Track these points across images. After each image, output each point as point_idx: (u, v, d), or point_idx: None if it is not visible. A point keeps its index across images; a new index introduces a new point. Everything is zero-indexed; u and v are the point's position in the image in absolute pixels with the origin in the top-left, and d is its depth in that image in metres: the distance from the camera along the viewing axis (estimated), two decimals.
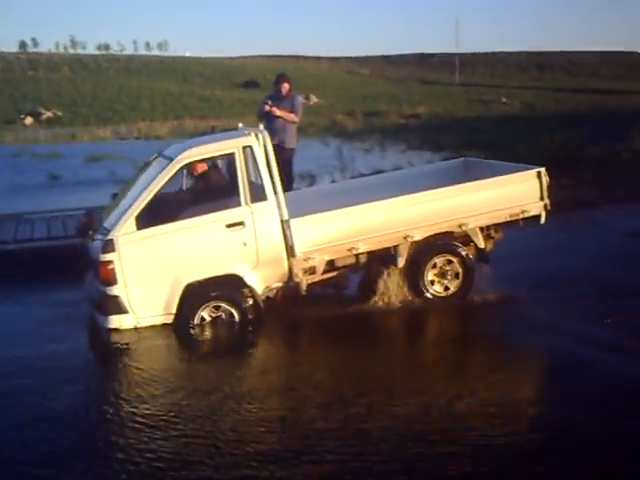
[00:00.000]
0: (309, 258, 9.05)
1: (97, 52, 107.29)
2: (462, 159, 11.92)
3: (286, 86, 12.17)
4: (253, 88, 63.70)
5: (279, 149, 11.28)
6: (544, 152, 16.57)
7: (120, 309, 8.58)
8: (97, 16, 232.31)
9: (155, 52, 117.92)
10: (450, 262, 9.71)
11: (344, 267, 9.59)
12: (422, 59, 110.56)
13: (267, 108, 11.94)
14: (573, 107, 42.23)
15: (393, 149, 25.76)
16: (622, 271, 10.61)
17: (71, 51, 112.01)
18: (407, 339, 9.45)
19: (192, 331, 8.76)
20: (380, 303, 9.60)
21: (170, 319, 8.73)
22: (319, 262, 9.16)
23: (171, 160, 8.87)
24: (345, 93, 65.45)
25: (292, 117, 12.12)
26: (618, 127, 23.73)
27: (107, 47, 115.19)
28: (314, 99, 56.81)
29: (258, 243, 8.81)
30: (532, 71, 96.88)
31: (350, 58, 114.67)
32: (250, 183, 8.93)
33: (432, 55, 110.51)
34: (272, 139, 10.55)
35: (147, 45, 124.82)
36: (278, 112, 11.94)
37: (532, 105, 48.44)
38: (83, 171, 20.87)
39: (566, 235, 10.41)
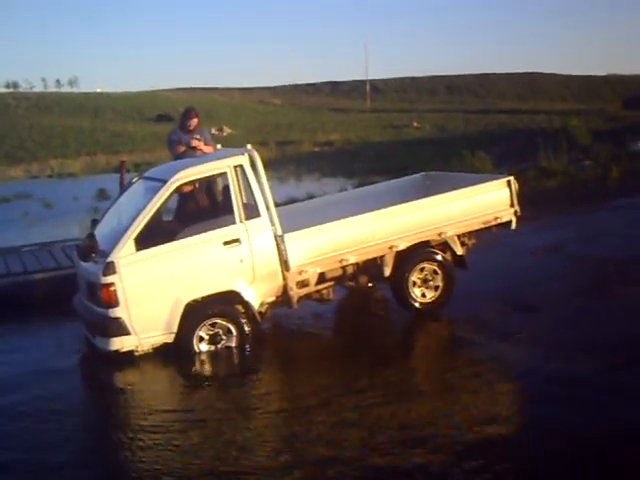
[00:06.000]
0: (302, 271, 9.34)
1: (5, 90, 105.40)
2: (423, 173, 12.43)
3: (195, 121, 12.06)
4: (166, 122, 63.23)
5: None
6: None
7: (122, 330, 8.68)
8: (3, 54, 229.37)
9: (65, 89, 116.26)
10: (430, 269, 10.14)
11: (333, 279, 9.92)
12: (334, 87, 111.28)
13: (195, 143, 11.82)
14: (482, 128, 43.04)
15: (308, 177, 25.96)
16: (531, 286, 10.93)
17: None
18: None
19: (193, 349, 8.92)
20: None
21: (171, 338, 8.88)
22: (312, 275, 9.47)
23: (164, 181, 9.06)
24: (258, 123, 65.54)
25: (211, 150, 12.08)
26: (525, 146, 24.29)
27: (16, 85, 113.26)
28: (227, 130, 56.73)
29: (254, 259, 9.09)
30: (442, 94, 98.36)
31: (262, 88, 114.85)
32: (243, 201, 9.23)
33: (343, 83, 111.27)
34: None
35: (57, 82, 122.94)
36: (205, 147, 11.88)
37: (443, 128, 49.22)
38: None
39: (475, 254, 10.63)
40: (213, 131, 46.75)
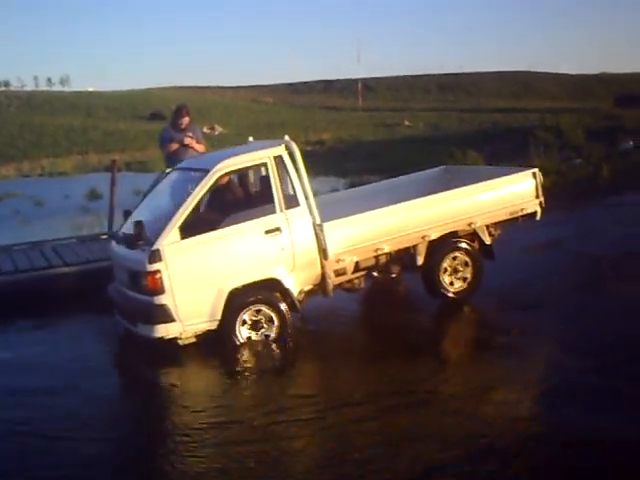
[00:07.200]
0: (340, 260, 9.46)
1: None
2: (444, 167, 12.71)
3: (186, 119, 12.12)
4: (159, 120, 63.16)
5: None
6: None
7: (167, 318, 8.75)
8: None
9: (57, 87, 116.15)
10: (461, 259, 10.31)
11: (366, 268, 10.03)
12: (326, 86, 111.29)
13: (188, 140, 11.89)
14: (475, 127, 43.07)
15: None
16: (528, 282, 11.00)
17: None
18: None
19: (236, 336, 8.98)
20: None
21: (214, 325, 8.95)
22: (349, 263, 9.58)
23: (206, 171, 9.13)
24: (250, 122, 65.48)
25: (203, 148, 12.17)
26: (517, 144, 24.33)
27: (7, 84, 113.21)
28: (219, 129, 56.71)
29: (294, 247, 9.19)
30: (434, 93, 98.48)
31: (254, 87, 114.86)
32: (283, 190, 9.31)
33: (335, 81, 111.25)
34: None
35: (49, 81, 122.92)
36: (197, 145, 11.98)
37: (435, 126, 49.24)
38: None
39: None
40: (205, 129, 46.74)
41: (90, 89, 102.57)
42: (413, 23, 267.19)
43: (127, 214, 10.12)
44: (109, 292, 9.90)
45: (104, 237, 14.48)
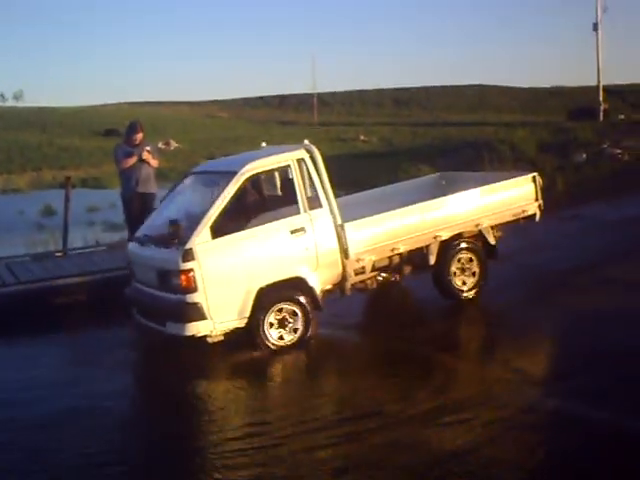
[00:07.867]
0: (360, 259, 9.80)
1: None
2: (438, 173, 13.37)
3: (140, 135, 12.17)
4: (115, 136, 62.69)
5: (145, 196, 11.82)
6: None
7: (200, 316, 8.98)
8: None
9: (11, 103, 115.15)
10: (467, 258, 10.77)
11: (380, 269, 10.38)
12: (281, 100, 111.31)
13: (146, 155, 11.94)
14: (429, 141, 43.32)
15: None
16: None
17: None
18: None
19: (264, 333, 9.25)
20: None
21: (244, 323, 9.24)
22: (368, 262, 9.91)
23: (233, 173, 9.46)
24: (205, 137, 65.34)
25: (157, 163, 12.24)
26: (471, 158, 24.48)
27: None
28: (174, 144, 56.48)
29: (318, 247, 9.56)
30: (389, 107, 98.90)
31: (210, 102, 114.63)
32: (306, 192, 9.60)
33: (290, 96, 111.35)
34: (137, 188, 10.84)
35: (2, 96, 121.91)
36: (152, 161, 12.05)
37: (390, 140, 49.43)
38: None
39: None
40: (160, 145, 46.58)
41: (44, 105, 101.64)
42: (366, 38, 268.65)
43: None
44: (128, 295, 10.13)
45: (58, 255, 14.39)
